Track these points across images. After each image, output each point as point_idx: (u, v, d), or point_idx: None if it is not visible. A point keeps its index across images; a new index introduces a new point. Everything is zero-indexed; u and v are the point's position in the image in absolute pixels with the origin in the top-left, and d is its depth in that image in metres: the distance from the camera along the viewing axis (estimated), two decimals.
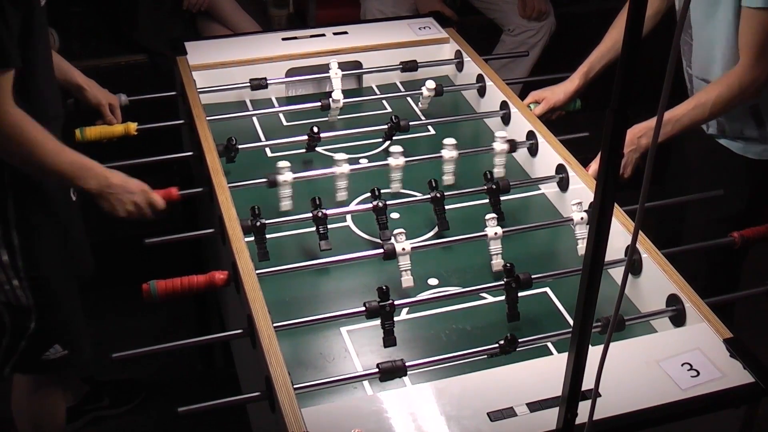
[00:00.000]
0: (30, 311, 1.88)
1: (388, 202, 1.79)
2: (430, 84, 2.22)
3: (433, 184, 1.80)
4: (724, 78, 1.89)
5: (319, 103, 2.18)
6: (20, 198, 1.79)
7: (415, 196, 1.88)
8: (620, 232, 1.68)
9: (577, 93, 2.21)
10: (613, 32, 2.19)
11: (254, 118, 2.24)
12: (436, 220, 1.81)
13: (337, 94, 2.17)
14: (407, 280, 1.65)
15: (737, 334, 1.44)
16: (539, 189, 1.97)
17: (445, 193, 1.81)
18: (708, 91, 1.90)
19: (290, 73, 2.35)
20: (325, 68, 2.31)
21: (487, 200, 1.85)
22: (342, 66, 2.35)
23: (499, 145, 1.99)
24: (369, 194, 1.78)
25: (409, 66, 2.37)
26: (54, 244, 1.89)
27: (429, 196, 1.80)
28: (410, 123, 2.12)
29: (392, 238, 1.64)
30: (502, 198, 1.90)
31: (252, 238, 1.72)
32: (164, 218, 1.88)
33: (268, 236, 1.78)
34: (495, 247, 1.70)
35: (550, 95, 2.22)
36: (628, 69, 0.88)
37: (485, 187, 1.85)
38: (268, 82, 2.25)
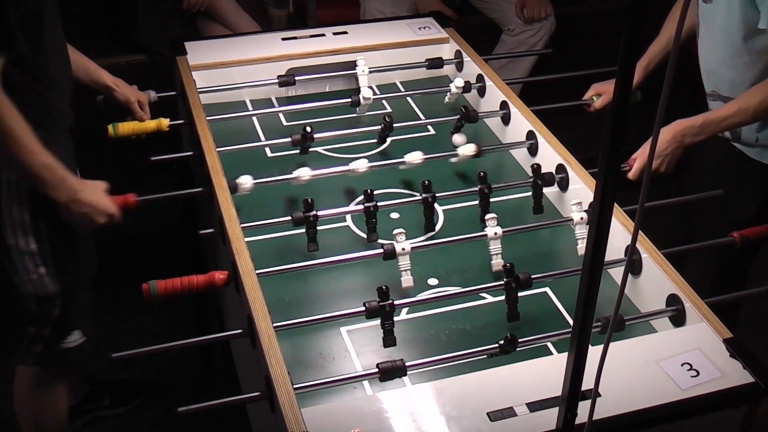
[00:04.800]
0: (55, 298, 1.89)
1: (387, 203, 1.79)
2: (459, 82, 2.24)
3: (426, 183, 1.80)
4: (766, 82, 1.91)
5: (349, 100, 2.20)
6: None
7: (415, 196, 1.88)
8: (620, 232, 1.68)
9: (637, 86, 2.23)
10: (669, 25, 2.21)
11: (254, 118, 2.24)
12: (423, 222, 1.82)
13: (367, 92, 2.19)
14: (407, 280, 1.65)
15: (741, 334, 1.44)
16: (545, 187, 1.97)
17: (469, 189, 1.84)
18: (751, 95, 1.92)
19: (291, 72, 2.35)
20: (331, 67, 2.32)
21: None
22: (342, 66, 2.36)
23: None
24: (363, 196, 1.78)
25: (435, 63, 2.40)
26: (75, 231, 1.90)
27: (420, 197, 1.81)
28: (409, 123, 2.13)
29: (393, 238, 1.65)
30: (501, 198, 1.91)
31: (256, 238, 1.73)
32: (164, 218, 1.89)
33: (267, 236, 1.79)
34: (495, 247, 1.70)
35: (610, 88, 2.23)
36: (628, 70, 0.88)
37: (530, 180, 1.88)
38: (297, 78, 2.28)
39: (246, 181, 1.84)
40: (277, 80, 2.27)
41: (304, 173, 1.87)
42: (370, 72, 2.30)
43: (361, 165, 1.90)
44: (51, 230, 1.83)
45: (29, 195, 1.78)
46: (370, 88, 2.23)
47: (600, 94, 2.27)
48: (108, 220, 1.78)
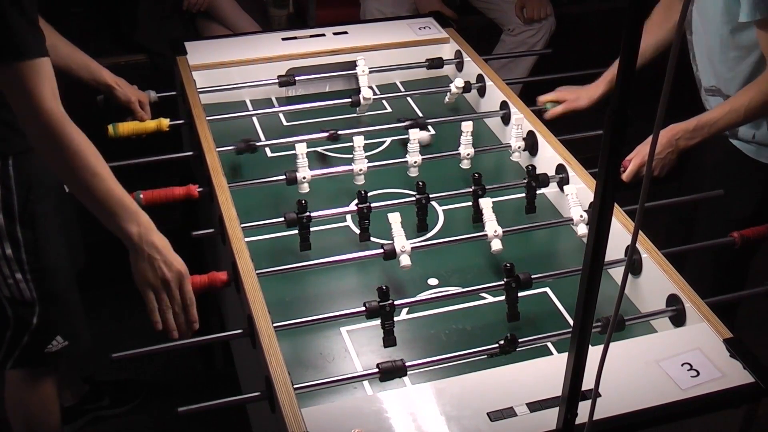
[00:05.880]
0: (33, 305, 1.89)
1: (382, 203, 1.79)
2: (459, 82, 2.23)
3: (420, 185, 1.80)
4: (756, 82, 1.90)
5: (349, 100, 2.20)
6: (23, 191, 1.79)
7: (413, 195, 1.88)
8: (620, 232, 1.68)
9: (602, 99, 2.19)
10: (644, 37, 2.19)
11: (254, 118, 2.24)
12: (417, 222, 1.82)
13: (367, 92, 2.18)
14: (405, 258, 1.64)
15: (740, 334, 1.44)
16: (539, 188, 1.97)
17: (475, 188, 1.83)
18: (741, 95, 1.92)
19: (290, 73, 2.35)
20: (331, 67, 2.33)
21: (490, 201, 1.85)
22: (342, 66, 2.36)
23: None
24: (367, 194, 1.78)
25: (435, 63, 2.39)
26: (55, 235, 1.90)
27: (415, 197, 1.80)
28: (408, 123, 2.13)
29: (393, 238, 1.65)
30: (502, 198, 1.91)
31: (256, 238, 1.74)
32: (165, 218, 1.88)
33: (268, 236, 1.79)
34: (489, 221, 1.70)
35: (573, 99, 2.20)
36: (628, 69, 0.88)
37: (524, 181, 1.87)
38: (298, 78, 2.27)
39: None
40: (277, 80, 2.27)
41: (304, 174, 1.87)
42: (370, 72, 2.31)
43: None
44: (28, 237, 1.83)
45: (3, 201, 1.77)
46: (370, 88, 2.23)
47: (558, 102, 2.20)
48: (178, 283, 1.53)
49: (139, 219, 1.52)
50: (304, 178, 1.86)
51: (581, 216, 1.76)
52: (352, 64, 2.33)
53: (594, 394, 1.08)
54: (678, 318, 1.53)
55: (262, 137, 2.16)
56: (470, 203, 1.86)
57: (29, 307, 1.89)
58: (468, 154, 1.98)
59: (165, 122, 2.11)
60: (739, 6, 1.84)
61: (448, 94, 2.27)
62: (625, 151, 1.87)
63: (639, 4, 0.85)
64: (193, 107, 2.05)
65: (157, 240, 1.53)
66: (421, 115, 2.28)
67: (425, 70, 2.42)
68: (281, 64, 2.34)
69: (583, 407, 1.13)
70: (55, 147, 1.47)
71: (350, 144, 1.93)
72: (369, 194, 1.78)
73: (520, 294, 1.57)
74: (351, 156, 1.93)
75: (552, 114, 2.22)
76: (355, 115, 2.23)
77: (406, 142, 1.97)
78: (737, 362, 1.38)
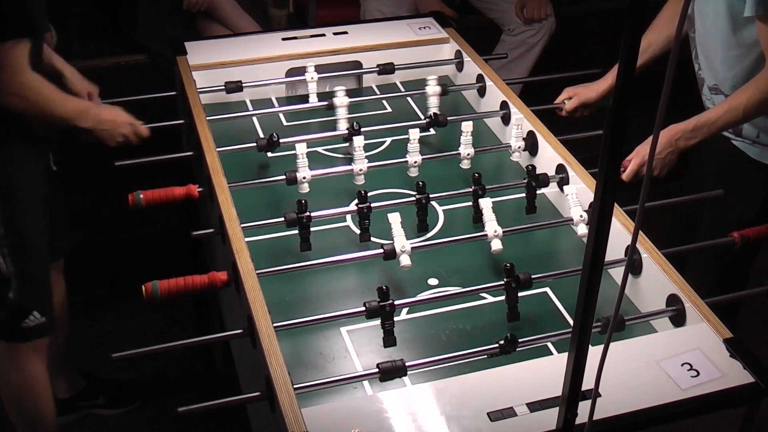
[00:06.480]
0: (9, 279, 1.91)
1: (382, 203, 1.79)
2: (433, 83, 2.22)
3: (420, 185, 1.80)
4: (754, 81, 1.90)
5: (313, 104, 2.20)
6: (2, 167, 1.81)
7: (413, 195, 1.88)
8: (620, 232, 1.68)
9: (610, 91, 2.22)
10: (649, 34, 2.20)
11: (254, 118, 2.24)
12: (417, 222, 1.82)
13: (341, 94, 2.18)
14: (405, 259, 1.64)
15: (741, 334, 1.44)
16: (539, 188, 1.97)
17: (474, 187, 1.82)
18: (740, 94, 1.91)
19: (290, 73, 2.35)
20: (325, 68, 2.32)
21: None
22: (342, 66, 2.35)
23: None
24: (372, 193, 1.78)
25: (386, 69, 2.35)
26: (34, 212, 1.93)
27: (415, 197, 1.80)
28: (407, 123, 2.13)
29: (393, 238, 1.65)
30: (502, 198, 1.91)
31: (256, 238, 1.74)
32: (165, 218, 1.89)
33: (267, 236, 1.79)
34: (489, 221, 1.70)
35: (582, 91, 2.25)
36: (628, 69, 0.88)
37: (524, 181, 1.87)
38: (245, 84, 2.26)
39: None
40: (277, 80, 2.26)
41: (304, 174, 1.87)
42: (371, 72, 2.30)
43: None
44: (7, 211, 1.86)
45: None
46: (318, 94, 2.23)
47: (572, 98, 2.26)
48: (133, 132, 2.01)
49: (90, 113, 1.96)
50: (304, 178, 1.86)
51: (581, 216, 1.76)
52: (353, 64, 2.33)
53: (594, 394, 1.08)
54: (678, 318, 1.53)
55: (262, 137, 2.16)
56: (470, 203, 1.86)
57: (6, 281, 1.91)
58: (468, 154, 1.98)
59: None
60: (743, 2, 1.84)
61: (429, 101, 2.23)
62: (625, 151, 1.87)
63: (639, 4, 0.85)
64: (193, 107, 2.05)
65: (104, 116, 1.99)
66: (421, 115, 2.28)
67: (425, 69, 2.41)
68: (281, 64, 2.34)
69: (583, 407, 1.13)
70: (34, 106, 1.85)
71: (347, 144, 1.93)
72: (369, 194, 1.78)
73: (520, 294, 1.57)
74: (351, 156, 1.93)
75: (567, 108, 2.27)
76: (355, 115, 2.23)
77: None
78: (737, 362, 1.38)
